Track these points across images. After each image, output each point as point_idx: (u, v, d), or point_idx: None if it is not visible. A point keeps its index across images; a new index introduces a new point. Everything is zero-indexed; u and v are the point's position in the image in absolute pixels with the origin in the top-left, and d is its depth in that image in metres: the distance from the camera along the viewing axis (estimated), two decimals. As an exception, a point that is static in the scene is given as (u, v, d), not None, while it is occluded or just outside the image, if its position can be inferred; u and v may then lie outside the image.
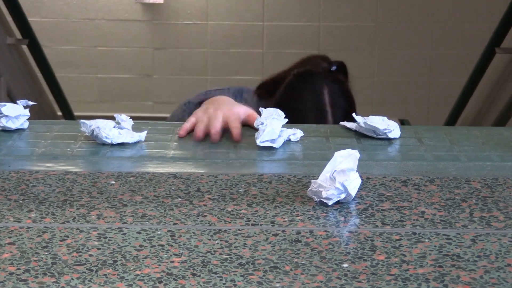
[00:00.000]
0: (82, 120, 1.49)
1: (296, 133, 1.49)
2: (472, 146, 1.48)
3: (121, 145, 1.46)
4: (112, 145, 1.45)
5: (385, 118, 1.54)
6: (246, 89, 2.11)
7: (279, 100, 1.94)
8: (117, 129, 1.45)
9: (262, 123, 1.44)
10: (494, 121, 3.76)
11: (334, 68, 2.05)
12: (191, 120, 1.57)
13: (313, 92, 1.97)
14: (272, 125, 1.43)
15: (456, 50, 5.36)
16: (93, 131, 1.44)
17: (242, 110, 1.60)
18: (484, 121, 3.88)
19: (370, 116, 1.53)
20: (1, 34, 3.71)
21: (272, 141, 1.43)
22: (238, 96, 2.00)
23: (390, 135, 1.51)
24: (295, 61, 2.12)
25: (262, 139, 1.42)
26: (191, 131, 1.55)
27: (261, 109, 1.52)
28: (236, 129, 1.51)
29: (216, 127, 1.51)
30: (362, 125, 1.52)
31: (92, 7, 5.69)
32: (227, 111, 1.57)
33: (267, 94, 2.03)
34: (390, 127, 1.51)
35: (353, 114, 1.61)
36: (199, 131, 1.51)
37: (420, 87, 5.38)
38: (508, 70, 3.61)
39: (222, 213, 1.13)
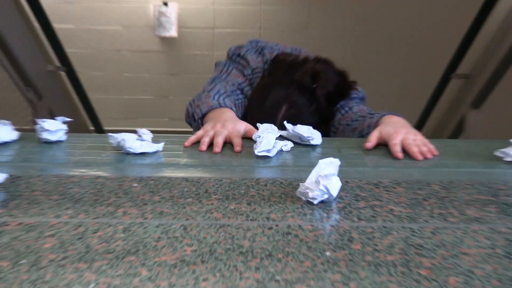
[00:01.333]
0: (110, 134, 1.49)
1: (287, 144, 1.50)
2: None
3: (142, 154, 1.46)
4: (135, 154, 1.45)
5: (310, 127, 1.57)
6: (269, 46, 2.05)
7: (252, 96, 1.93)
8: (139, 141, 1.45)
9: (259, 136, 1.44)
10: (450, 134, 3.76)
11: (313, 86, 1.86)
12: (198, 133, 1.57)
13: (273, 100, 1.83)
14: (268, 138, 1.43)
15: (418, 77, 5.37)
16: (119, 142, 1.45)
17: (242, 126, 1.60)
18: (441, 135, 3.89)
19: (298, 125, 1.56)
20: (43, 62, 3.71)
21: (268, 151, 1.43)
22: (264, 50, 2.01)
23: (313, 142, 1.54)
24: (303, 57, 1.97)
25: (259, 149, 1.42)
26: (196, 142, 1.56)
27: (258, 124, 1.52)
28: (237, 145, 1.50)
29: (219, 144, 1.50)
30: (291, 132, 1.53)
31: (118, 40, 5.69)
32: (231, 128, 1.56)
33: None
34: (313, 135, 1.54)
35: (284, 122, 1.61)
36: (203, 145, 1.51)
37: (389, 105, 5.39)
38: (461, 92, 3.61)
39: (226, 210, 1.13)
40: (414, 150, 1.45)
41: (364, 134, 1.71)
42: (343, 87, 1.94)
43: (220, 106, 1.72)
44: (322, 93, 1.86)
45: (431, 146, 1.49)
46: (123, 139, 1.44)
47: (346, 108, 1.93)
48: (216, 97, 1.78)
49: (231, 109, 1.72)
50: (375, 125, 1.65)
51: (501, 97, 3.37)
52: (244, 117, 1.89)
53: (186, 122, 1.92)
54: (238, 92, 1.91)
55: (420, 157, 1.43)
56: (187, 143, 1.54)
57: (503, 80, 3.23)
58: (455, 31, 3.75)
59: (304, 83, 1.85)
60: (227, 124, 1.58)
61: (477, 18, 3.21)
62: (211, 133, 1.55)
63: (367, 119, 1.75)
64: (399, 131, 1.50)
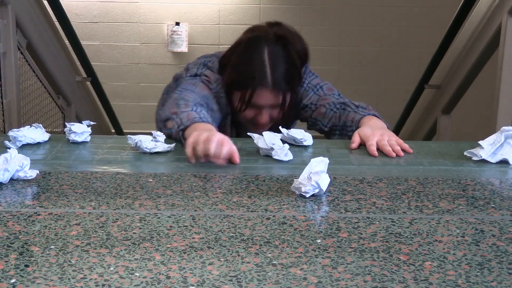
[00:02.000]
0: (128, 136, 1.48)
1: (284, 146, 1.45)
2: (409, 155, 1.47)
3: (157, 153, 1.45)
4: (150, 153, 1.44)
5: (302, 130, 1.56)
6: (213, 59, 1.80)
7: (234, 68, 1.69)
8: (154, 142, 1.44)
9: (274, 144, 1.40)
10: (424, 137, 3.77)
11: (274, 33, 1.68)
12: (189, 142, 1.34)
13: (255, 53, 1.66)
14: (284, 147, 1.40)
15: (396, 86, 5.37)
16: (136, 143, 1.44)
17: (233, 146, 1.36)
18: (416, 137, 3.89)
19: (292, 129, 1.55)
20: (72, 74, 3.72)
21: (286, 155, 1.40)
22: (208, 63, 1.76)
23: (305, 143, 1.53)
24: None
25: (283, 156, 1.40)
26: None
27: (264, 133, 1.43)
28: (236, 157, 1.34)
29: (212, 149, 1.30)
30: (286, 135, 1.52)
31: (137, 55, 5.70)
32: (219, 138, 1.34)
33: (222, 64, 1.74)
34: (305, 137, 1.53)
35: (280, 127, 1.55)
36: (189, 155, 1.33)
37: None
38: (433, 100, 3.61)
39: (229, 203, 1.12)
40: (387, 149, 1.45)
41: (348, 126, 1.70)
42: (304, 47, 1.77)
43: (204, 121, 1.47)
44: (294, 49, 1.71)
45: (405, 145, 1.49)
46: (140, 140, 1.43)
47: (318, 86, 1.81)
48: (195, 108, 1.52)
49: (214, 126, 1.49)
50: (358, 122, 1.65)
51: (468, 104, 3.38)
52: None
53: (157, 125, 1.67)
54: (205, 106, 1.61)
55: (392, 154, 1.44)
56: (192, 161, 1.34)
57: (469, 89, 3.24)
58: (428, 47, 3.75)
59: (276, 36, 1.69)
60: (214, 136, 1.33)
61: (447, 36, 3.21)
62: (201, 138, 1.33)
63: (351, 112, 1.71)
64: (375, 133, 1.51)
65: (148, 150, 1.42)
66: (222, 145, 1.31)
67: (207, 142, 1.30)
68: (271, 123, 1.76)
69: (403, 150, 1.47)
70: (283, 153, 1.39)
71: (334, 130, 1.77)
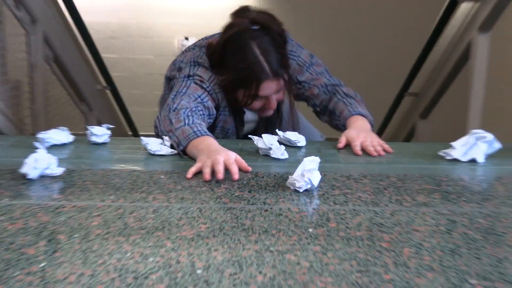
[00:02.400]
0: (142, 137, 1.48)
1: (281, 147, 1.44)
2: (390, 154, 1.47)
3: (163, 155, 1.45)
4: (161, 154, 1.44)
5: (296, 133, 1.56)
6: (200, 53, 1.65)
7: (231, 69, 1.55)
8: (160, 145, 1.43)
9: (272, 144, 1.41)
10: (403, 139, 3.77)
11: (254, 27, 1.54)
12: (197, 165, 1.27)
13: (246, 51, 1.51)
14: (281, 147, 1.41)
15: (378, 94, 5.37)
16: (145, 144, 1.44)
17: (233, 155, 1.29)
18: (397, 139, 3.89)
19: (287, 132, 1.56)
20: (93, 83, 3.72)
21: (283, 154, 1.40)
22: (198, 60, 1.62)
23: (299, 144, 1.53)
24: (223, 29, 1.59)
25: (280, 154, 1.40)
26: (197, 173, 1.26)
27: (263, 135, 1.44)
28: (235, 172, 1.23)
29: (221, 171, 1.22)
30: (282, 137, 1.53)
31: (151, 66, 5.70)
32: (225, 156, 1.27)
33: (214, 64, 1.60)
34: (299, 139, 1.53)
35: (277, 130, 1.55)
36: (207, 175, 1.22)
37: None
38: (412, 106, 3.61)
39: (232, 197, 1.12)
40: (370, 149, 1.46)
41: (336, 116, 1.69)
42: (279, 25, 1.60)
43: (198, 135, 1.38)
44: (274, 31, 1.56)
45: (386, 146, 1.50)
46: (147, 143, 1.43)
47: (309, 63, 1.74)
48: (187, 120, 1.42)
49: (209, 135, 1.40)
50: (345, 119, 1.64)
51: (443, 111, 3.38)
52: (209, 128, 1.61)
53: (155, 132, 1.55)
54: (200, 107, 1.52)
55: (374, 154, 1.45)
56: (189, 175, 1.24)
57: (444, 97, 3.24)
58: (407, 59, 3.75)
59: (245, 27, 1.54)
60: (220, 152, 1.29)
61: (424, 50, 3.21)
62: (209, 163, 1.25)
63: (340, 102, 1.69)
64: (359, 135, 1.51)
65: (152, 152, 1.42)
66: (228, 167, 1.24)
67: (216, 172, 1.22)
68: (282, 102, 1.74)
69: (384, 150, 1.48)
70: (279, 152, 1.39)
71: (324, 112, 1.76)
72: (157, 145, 1.42)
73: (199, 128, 1.40)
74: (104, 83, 3.92)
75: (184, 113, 1.45)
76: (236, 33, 1.54)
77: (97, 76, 3.85)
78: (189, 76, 1.60)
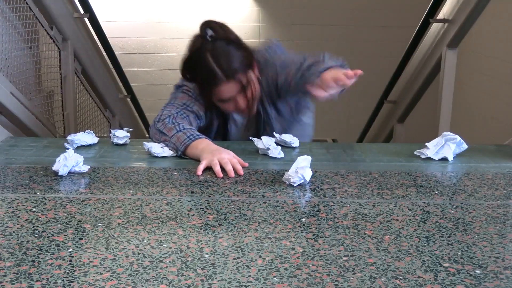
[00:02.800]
0: (144, 142, 1.42)
1: (277, 147, 1.40)
2: (372, 153, 1.46)
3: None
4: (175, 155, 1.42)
5: (291, 135, 1.49)
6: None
7: (196, 81, 1.45)
8: (162, 148, 1.37)
9: (270, 145, 1.38)
10: (383, 140, 3.76)
11: (209, 34, 1.38)
12: (204, 163, 1.24)
13: (200, 59, 1.38)
14: (278, 148, 1.39)
15: (361, 101, 5.36)
16: (148, 148, 1.38)
17: (231, 153, 1.28)
18: (378, 140, 3.88)
19: (283, 134, 1.49)
20: (115, 92, 3.72)
21: (279, 153, 1.37)
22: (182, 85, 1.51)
23: (293, 145, 1.48)
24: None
25: (277, 154, 1.37)
26: (204, 168, 1.24)
27: (262, 137, 1.41)
28: (239, 169, 1.23)
29: (231, 171, 1.22)
30: (278, 138, 1.48)
31: (166, 78, 5.69)
32: (227, 155, 1.26)
33: (186, 78, 1.47)
34: (293, 141, 1.48)
35: (274, 133, 1.46)
36: (220, 173, 1.21)
37: (341, 121, 5.37)
38: (390, 112, 3.60)
39: (236, 190, 1.11)
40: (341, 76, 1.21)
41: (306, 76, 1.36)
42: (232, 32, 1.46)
43: (193, 140, 1.33)
44: (228, 33, 1.41)
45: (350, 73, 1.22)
46: (150, 146, 1.38)
47: (284, 65, 1.46)
48: (178, 127, 1.36)
49: (202, 137, 1.35)
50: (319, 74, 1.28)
51: (417, 116, 3.37)
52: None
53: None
54: (182, 111, 1.43)
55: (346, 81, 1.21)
56: (199, 172, 1.22)
57: (418, 104, 3.23)
58: (386, 71, 3.74)
59: (199, 40, 1.40)
60: (222, 153, 1.26)
61: (401, 62, 3.20)
62: (216, 161, 1.23)
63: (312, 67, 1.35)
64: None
65: (156, 155, 1.37)
66: (234, 166, 1.23)
67: (227, 171, 1.21)
68: (254, 101, 1.47)
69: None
70: (276, 152, 1.38)
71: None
72: (159, 148, 1.38)
73: (192, 133, 1.35)
74: (125, 93, 3.92)
75: (169, 121, 1.39)
76: (194, 50, 1.41)
77: (119, 86, 3.85)
78: (179, 86, 1.54)
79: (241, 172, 1.23)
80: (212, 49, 1.37)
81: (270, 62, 1.49)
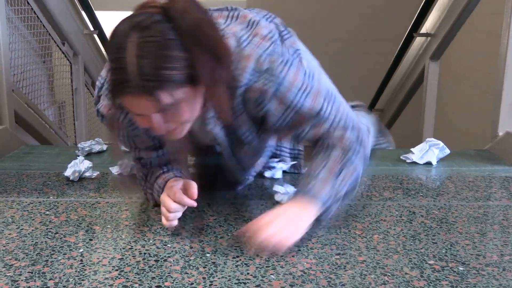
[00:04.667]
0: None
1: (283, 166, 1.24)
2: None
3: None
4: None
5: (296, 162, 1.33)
6: None
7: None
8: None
9: (275, 167, 1.21)
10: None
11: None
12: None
13: (118, 51, 0.70)
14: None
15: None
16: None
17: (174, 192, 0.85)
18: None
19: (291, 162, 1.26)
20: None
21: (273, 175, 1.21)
22: None
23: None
24: None
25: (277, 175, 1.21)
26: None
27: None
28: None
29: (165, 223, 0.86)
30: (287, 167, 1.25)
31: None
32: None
33: None
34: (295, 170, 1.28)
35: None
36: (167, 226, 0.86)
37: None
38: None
39: (235, 194, 1.11)
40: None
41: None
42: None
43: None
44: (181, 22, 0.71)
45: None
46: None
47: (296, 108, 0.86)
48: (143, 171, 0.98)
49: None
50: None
51: (402, 124, 3.38)
52: None
53: None
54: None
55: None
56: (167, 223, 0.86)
57: (403, 112, 3.24)
58: (373, 81, 3.75)
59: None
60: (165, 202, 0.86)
61: (387, 73, 3.22)
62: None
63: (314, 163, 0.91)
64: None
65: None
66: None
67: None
68: (185, 127, 0.80)
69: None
70: (271, 173, 1.28)
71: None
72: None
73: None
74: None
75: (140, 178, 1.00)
76: (119, 31, 0.72)
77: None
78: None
79: (165, 223, 0.86)
80: (143, 37, 0.70)
81: (265, 102, 0.85)
